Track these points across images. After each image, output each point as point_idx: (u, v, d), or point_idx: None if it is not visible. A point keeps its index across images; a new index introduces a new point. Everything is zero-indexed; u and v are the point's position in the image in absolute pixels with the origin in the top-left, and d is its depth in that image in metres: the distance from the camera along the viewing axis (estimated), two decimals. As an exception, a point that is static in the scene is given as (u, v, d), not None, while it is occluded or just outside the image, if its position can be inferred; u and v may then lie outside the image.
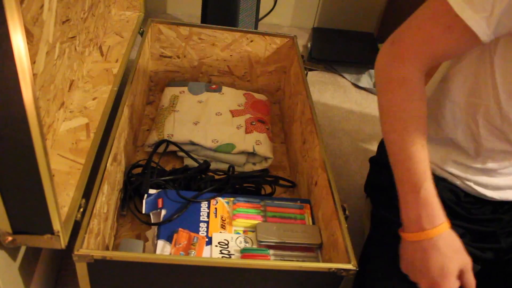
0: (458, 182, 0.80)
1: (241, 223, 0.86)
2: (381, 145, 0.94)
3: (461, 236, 0.78)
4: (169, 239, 0.81)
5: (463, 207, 0.80)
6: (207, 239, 0.82)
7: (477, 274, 0.77)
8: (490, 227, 0.80)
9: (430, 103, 0.78)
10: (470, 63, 0.72)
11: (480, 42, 0.63)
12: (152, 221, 0.88)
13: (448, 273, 0.65)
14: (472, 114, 0.74)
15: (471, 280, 0.67)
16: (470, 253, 0.77)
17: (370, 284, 0.74)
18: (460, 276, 0.67)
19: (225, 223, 0.86)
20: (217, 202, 0.89)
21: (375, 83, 0.74)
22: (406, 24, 0.69)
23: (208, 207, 0.88)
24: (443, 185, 0.81)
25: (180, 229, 0.81)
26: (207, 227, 0.84)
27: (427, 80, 0.74)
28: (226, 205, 0.90)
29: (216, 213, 0.87)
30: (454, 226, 0.78)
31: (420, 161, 0.67)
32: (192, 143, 1.09)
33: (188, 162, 1.08)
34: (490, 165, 0.77)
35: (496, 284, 0.81)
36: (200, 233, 0.83)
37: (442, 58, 0.71)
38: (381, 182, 0.88)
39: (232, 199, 0.91)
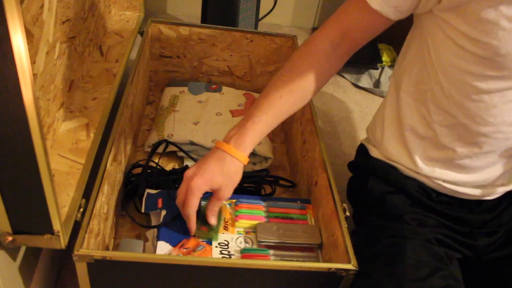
0: (426, 181, 0.81)
1: (244, 224, 0.86)
2: (359, 149, 0.95)
3: (435, 226, 0.79)
4: (169, 239, 0.81)
5: (436, 204, 0.81)
6: (212, 253, 0.81)
7: (462, 268, 0.78)
8: (465, 227, 0.81)
9: (389, 102, 0.85)
10: (413, 52, 0.79)
11: (376, 13, 0.72)
12: (152, 221, 0.87)
13: (210, 179, 0.75)
14: (423, 101, 0.77)
15: (214, 203, 0.78)
16: (446, 243, 0.78)
17: (357, 284, 0.74)
18: (214, 193, 0.77)
19: (227, 225, 0.86)
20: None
21: None
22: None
23: (208, 207, 0.88)
24: (411, 182, 0.82)
25: (192, 237, 0.81)
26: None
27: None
28: (228, 206, 0.90)
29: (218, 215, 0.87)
30: (427, 217, 0.79)
31: (269, 103, 0.77)
32: (192, 143, 1.08)
33: (188, 162, 1.08)
34: (452, 156, 0.77)
35: (477, 284, 0.81)
36: (200, 233, 0.83)
37: (351, 31, 0.77)
38: (361, 185, 0.89)
39: (234, 200, 0.91)
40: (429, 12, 0.72)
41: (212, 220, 0.80)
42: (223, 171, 0.75)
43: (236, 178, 0.78)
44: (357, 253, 0.71)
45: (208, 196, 0.79)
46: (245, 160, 0.77)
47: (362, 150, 0.93)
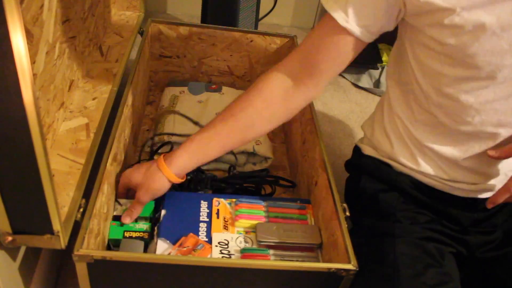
0: (419, 176, 0.81)
1: (244, 223, 0.86)
2: (354, 149, 0.96)
3: (428, 222, 0.79)
4: (169, 239, 0.81)
5: (429, 199, 0.81)
6: (211, 251, 0.81)
7: (459, 266, 0.78)
8: (456, 224, 0.81)
9: (386, 99, 0.85)
10: (395, 57, 0.80)
11: (345, 31, 0.69)
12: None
13: (124, 171, 0.85)
14: (407, 102, 0.79)
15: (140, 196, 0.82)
16: (438, 239, 0.78)
17: (352, 285, 0.75)
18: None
19: (227, 224, 0.86)
20: (219, 203, 0.89)
21: None
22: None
23: (208, 207, 0.88)
24: (403, 178, 0.82)
25: (190, 234, 0.81)
26: (207, 228, 0.84)
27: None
28: (228, 206, 0.90)
29: (218, 214, 0.87)
30: (419, 213, 0.79)
31: (210, 124, 0.79)
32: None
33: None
34: (438, 155, 0.78)
35: (471, 280, 0.81)
36: (200, 233, 0.83)
37: (315, 55, 0.74)
38: (357, 186, 0.90)
39: (234, 200, 0.91)
40: (402, 20, 0.72)
41: (126, 219, 0.83)
42: (145, 175, 0.81)
43: (155, 187, 0.81)
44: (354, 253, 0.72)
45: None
46: (171, 177, 0.79)
47: (356, 150, 0.93)
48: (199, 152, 0.79)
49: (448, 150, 0.77)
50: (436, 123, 0.76)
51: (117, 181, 0.88)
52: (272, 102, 0.77)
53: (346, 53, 0.72)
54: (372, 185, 0.85)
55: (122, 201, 0.86)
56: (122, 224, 0.83)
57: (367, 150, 0.89)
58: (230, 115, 0.77)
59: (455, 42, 0.66)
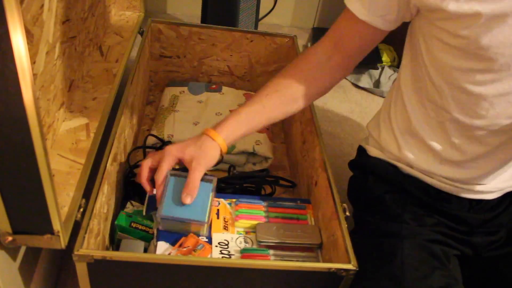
0: (427, 179, 0.81)
1: (244, 224, 0.86)
2: (359, 149, 0.96)
3: (435, 225, 0.79)
4: (169, 239, 0.81)
5: (436, 202, 0.81)
6: (211, 251, 0.81)
7: (461, 265, 0.78)
8: (463, 226, 0.81)
9: (393, 100, 0.85)
10: (408, 51, 0.80)
11: (365, 24, 0.75)
12: (154, 222, 0.87)
13: (170, 146, 0.79)
14: (420, 100, 0.78)
15: (192, 177, 0.77)
16: (444, 242, 0.78)
17: (356, 284, 0.75)
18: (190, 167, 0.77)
19: (227, 224, 0.86)
20: (219, 204, 0.89)
21: None
22: None
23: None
24: (411, 181, 0.82)
25: (191, 234, 0.81)
26: (208, 227, 0.84)
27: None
28: (228, 206, 0.90)
29: (218, 214, 0.87)
30: (426, 216, 0.79)
31: (255, 98, 0.81)
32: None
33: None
34: (452, 155, 0.78)
35: (476, 280, 0.81)
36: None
37: (343, 41, 0.81)
38: (361, 185, 0.90)
39: (234, 200, 0.91)
40: (417, 13, 0.73)
41: (187, 199, 0.77)
42: (197, 144, 0.78)
43: (210, 157, 0.78)
44: (356, 253, 0.71)
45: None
46: (223, 145, 0.79)
47: (361, 150, 0.93)
48: (246, 123, 0.81)
49: (462, 148, 0.76)
50: (450, 119, 0.75)
51: (118, 179, 0.88)
52: (312, 79, 0.83)
53: (370, 40, 0.79)
54: (379, 186, 0.85)
55: (134, 203, 0.87)
56: (131, 216, 0.83)
57: (373, 152, 0.88)
58: (275, 91, 0.82)
59: (468, 33, 0.65)
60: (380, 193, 0.84)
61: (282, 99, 0.82)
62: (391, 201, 0.82)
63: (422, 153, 0.80)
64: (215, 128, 0.79)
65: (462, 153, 0.77)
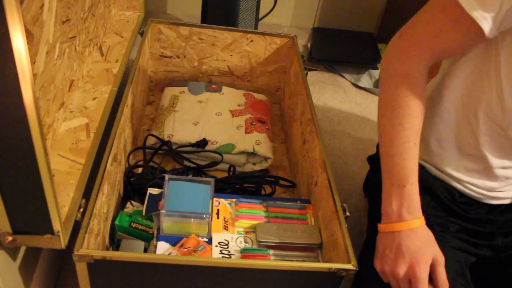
0: (454, 183, 0.80)
1: (244, 224, 0.86)
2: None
3: (457, 231, 0.78)
4: (169, 240, 0.81)
5: (458, 206, 0.81)
6: (212, 252, 0.81)
7: (474, 270, 0.77)
8: (486, 227, 0.81)
9: (429, 101, 0.79)
10: (474, 57, 0.72)
11: (485, 38, 0.65)
12: (154, 222, 0.87)
13: (423, 256, 0.66)
14: (473, 109, 0.73)
15: (442, 274, 0.67)
16: (466, 249, 0.77)
17: (367, 285, 0.74)
18: (433, 267, 0.67)
19: (227, 224, 0.86)
20: (219, 203, 0.89)
21: (380, 76, 0.74)
22: (414, 18, 0.70)
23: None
24: (439, 184, 0.81)
25: (192, 235, 0.81)
26: (209, 228, 0.84)
27: (428, 80, 0.75)
28: (228, 206, 0.90)
29: (218, 214, 0.87)
30: (449, 222, 0.78)
31: (410, 158, 0.68)
32: (192, 144, 1.08)
33: (188, 163, 1.08)
34: (487, 165, 0.76)
35: (493, 281, 0.81)
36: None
37: (447, 53, 0.71)
38: (379, 179, 0.88)
39: (234, 200, 0.91)
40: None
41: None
42: (424, 240, 0.68)
43: (432, 237, 0.69)
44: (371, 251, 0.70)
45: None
46: (424, 220, 0.70)
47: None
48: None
49: (500, 162, 0.74)
50: (502, 136, 0.72)
51: (118, 179, 0.87)
52: (424, 94, 0.71)
53: (470, 46, 0.70)
54: None
55: (134, 202, 0.87)
56: (131, 216, 0.83)
57: None
58: (401, 130, 0.69)
59: None
60: None
61: (412, 130, 0.70)
62: None
63: (455, 160, 0.78)
64: (417, 211, 0.68)
65: (496, 168, 0.76)
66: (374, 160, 0.94)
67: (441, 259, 0.68)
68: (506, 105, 0.70)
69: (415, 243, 0.67)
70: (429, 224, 0.75)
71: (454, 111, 0.76)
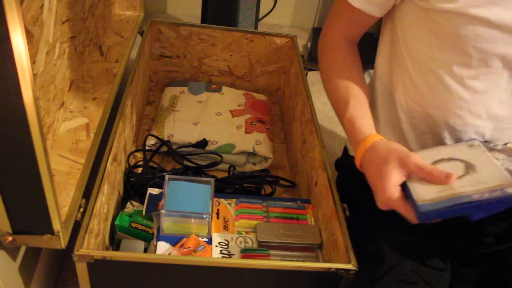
0: None
1: (244, 224, 0.86)
2: (346, 149, 0.96)
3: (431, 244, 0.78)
4: (169, 240, 0.81)
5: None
6: (212, 252, 0.81)
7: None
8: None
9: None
10: (386, 41, 0.82)
11: (357, 10, 0.77)
12: (154, 222, 0.87)
13: (385, 174, 0.62)
14: (393, 91, 0.79)
15: (415, 161, 0.62)
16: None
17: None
18: (402, 166, 0.63)
19: (228, 224, 0.86)
20: (219, 203, 0.89)
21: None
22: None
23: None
24: None
25: (192, 235, 0.81)
26: (209, 228, 0.84)
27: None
28: (228, 206, 0.90)
29: (218, 214, 0.87)
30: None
31: (343, 88, 0.78)
32: (192, 144, 1.08)
33: (188, 163, 1.08)
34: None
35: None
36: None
37: (351, 27, 0.83)
38: (347, 184, 0.90)
39: (234, 200, 0.91)
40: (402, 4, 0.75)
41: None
42: (381, 155, 0.66)
43: (392, 144, 0.68)
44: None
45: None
46: (376, 135, 0.71)
47: (346, 148, 0.95)
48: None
49: (434, 144, 0.76)
50: (423, 115, 0.75)
51: (118, 179, 0.87)
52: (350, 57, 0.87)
53: (367, 26, 0.83)
54: (354, 182, 0.84)
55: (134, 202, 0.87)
56: (131, 216, 0.83)
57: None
58: (332, 75, 0.82)
59: (449, 20, 0.65)
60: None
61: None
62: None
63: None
64: (364, 130, 0.71)
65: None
66: (337, 165, 0.97)
67: (404, 153, 0.63)
68: (414, 79, 0.74)
69: (376, 160, 0.65)
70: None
71: (381, 97, 0.83)
